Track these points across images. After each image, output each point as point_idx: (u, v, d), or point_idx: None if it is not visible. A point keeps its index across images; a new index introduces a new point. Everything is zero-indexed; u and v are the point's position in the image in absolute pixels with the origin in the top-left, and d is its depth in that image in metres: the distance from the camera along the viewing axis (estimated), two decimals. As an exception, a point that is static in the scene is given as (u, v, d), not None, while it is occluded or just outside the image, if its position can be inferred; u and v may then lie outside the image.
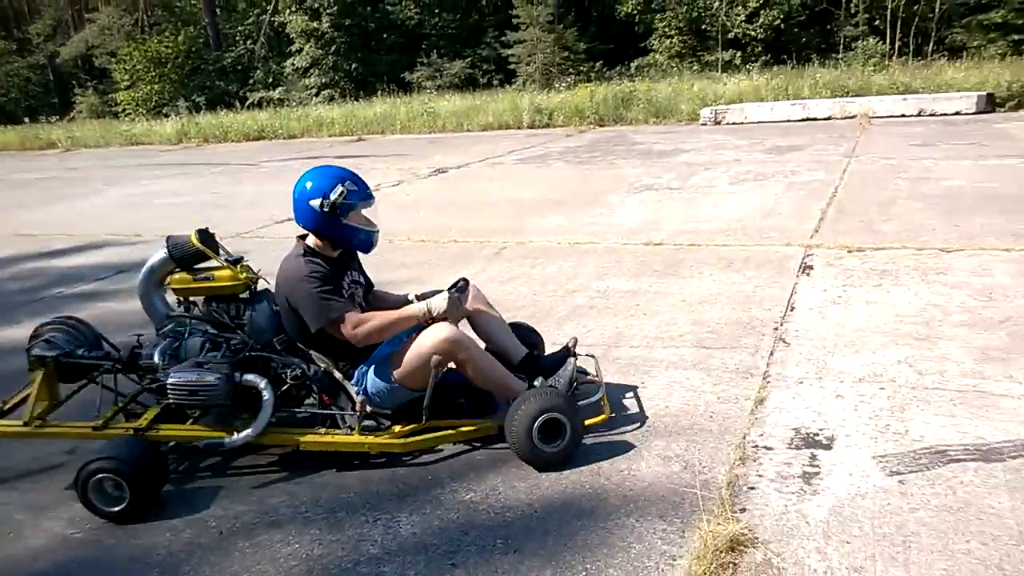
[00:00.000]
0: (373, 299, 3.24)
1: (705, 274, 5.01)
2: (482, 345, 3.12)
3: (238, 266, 3.06)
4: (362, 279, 3.22)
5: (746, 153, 10.54)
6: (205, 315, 3.06)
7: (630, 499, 2.53)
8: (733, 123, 14.98)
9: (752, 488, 2.53)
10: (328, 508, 2.64)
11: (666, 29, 26.13)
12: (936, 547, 2.13)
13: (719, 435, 2.90)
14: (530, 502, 2.58)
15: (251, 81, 31.18)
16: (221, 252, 3.12)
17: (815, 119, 14.36)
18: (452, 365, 2.89)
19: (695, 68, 24.25)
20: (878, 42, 22.20)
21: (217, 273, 3.03)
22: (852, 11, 23.97)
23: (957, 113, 13.49)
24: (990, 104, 13.68)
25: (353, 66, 29.21)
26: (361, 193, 2.94)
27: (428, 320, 2.89)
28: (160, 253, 3.10)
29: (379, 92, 25.45)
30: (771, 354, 3.61)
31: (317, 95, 28.67)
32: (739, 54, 24.84)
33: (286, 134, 20.55)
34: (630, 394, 3.31)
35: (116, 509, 2.59)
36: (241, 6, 35.46)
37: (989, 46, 22.18)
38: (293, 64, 29.75)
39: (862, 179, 7.88)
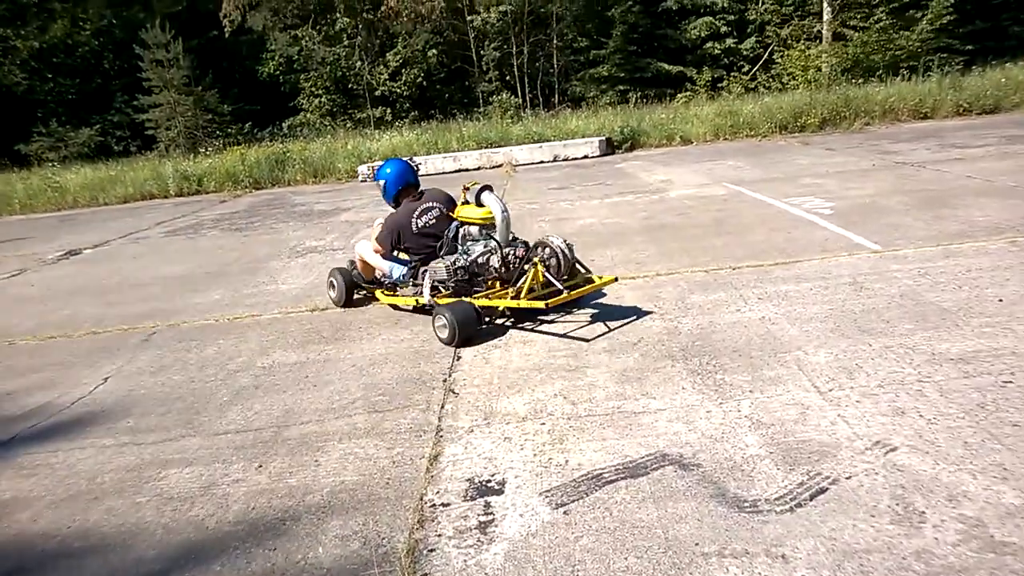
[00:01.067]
0: None
1: (374, 334, 4.99)
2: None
3: None
4: None
5: (404, 207, 10.88)
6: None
7: (310, 594, 2.36)
8: (390, 178, 15.44)
9: (432, 550, 2.50)
10: None
11: (313, 88, 26.36)
12: (600, 570, 2.28)
13: (396, 501, 2.84)
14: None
15: None
16: None
17: (467, 170, 15.43)
18: None
19: (348, 126, 24.76)
20: (511, 96, 24.70)
21: None
22: (484, 68, 26.38)
23: (585, 157, 15.46)
24: (610, 147, 15.92)
25: (-52, 139, 24.89)
26: None
27: None
28: (495, 197, 5.04)
29: (-12, 168, 22.00)
30: (442, 407, 3.67)
31: (-99, 175, 23.84)
32: (389, 111, 25.91)
33: None
34: (304, 474, 3.12)
35: None
36: None
37: (602, 96, 25.97)
38: None
39: (511, 225, 8.53)
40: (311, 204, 12.61)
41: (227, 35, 25.94)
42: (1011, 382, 3.27)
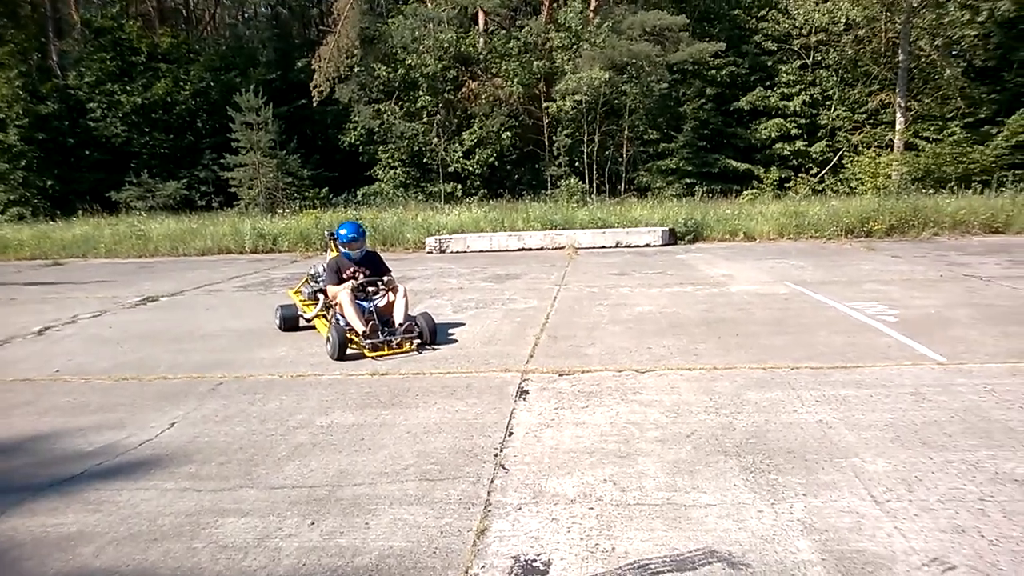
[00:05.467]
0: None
1: (430, 403, 5.10)
2: None
3: None
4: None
5: (468, 281, 11.15)
6: None
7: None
8: (456, 252, 15.86)
9: (475, 625, 2.53)
10: None
11: (390, 160, 27.39)
12: (640, 661, 2.28)
13: (442, 571, 2.88)
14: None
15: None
16: None
17: (529, 249, 15.71)
18: None
19: (419, 198, 25.52)
20: (578, 181, 25.19)
21: None
22: (555, 153, 27.04)
23: (647, 245, 15.60)
24: (672, 237, 16.05)
25: (49, 183, 26.51)
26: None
27: None
28: None
29: (80, 212, 23.37)
30: (492, 481, 3.72)
31: (2, 213, 25.46)
32: (460, 187, 26.67)
33: (-42, 257, 17.90)
34: (355, 535, 3.19)
35: None
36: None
37: (668, 187, 26.31)
38: (-30, 179, 26.21)
39: (570, 306, 8.67)
40: (377, 271, 12.97)
41: (315, 104, 27.34)
42: (1079, 512, 3.17)
